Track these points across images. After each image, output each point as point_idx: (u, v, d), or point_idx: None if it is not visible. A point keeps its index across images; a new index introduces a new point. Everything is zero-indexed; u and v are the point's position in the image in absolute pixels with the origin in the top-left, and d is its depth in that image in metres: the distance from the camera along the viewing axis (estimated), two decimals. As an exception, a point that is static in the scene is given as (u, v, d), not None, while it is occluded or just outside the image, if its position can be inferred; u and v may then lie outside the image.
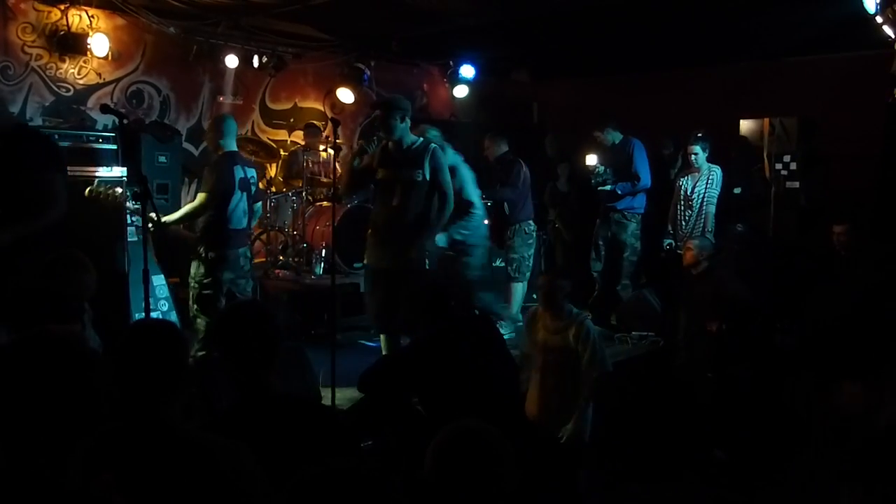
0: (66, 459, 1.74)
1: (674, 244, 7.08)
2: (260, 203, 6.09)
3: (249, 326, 2.48)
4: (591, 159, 7.31)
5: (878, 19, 4.78)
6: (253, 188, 5.65)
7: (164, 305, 6.21)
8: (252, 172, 5.69)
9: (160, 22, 7.19)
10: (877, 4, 4.68)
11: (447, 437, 2.03)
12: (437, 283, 4.23)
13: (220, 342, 2.52)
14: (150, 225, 4.76)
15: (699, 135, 7.02)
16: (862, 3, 4.73)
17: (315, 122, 8.44)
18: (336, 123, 5.35)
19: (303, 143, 8.14)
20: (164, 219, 5.37)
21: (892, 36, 4.88)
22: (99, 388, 1.82)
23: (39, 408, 1.71)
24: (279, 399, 2.46)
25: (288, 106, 8.69)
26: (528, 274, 7.13)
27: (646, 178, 7.18)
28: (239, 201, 5.49)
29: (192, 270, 5.53)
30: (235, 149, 5.66)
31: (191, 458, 1.94)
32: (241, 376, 2.45)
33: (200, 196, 5.45)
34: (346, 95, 8.37)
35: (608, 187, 7.19)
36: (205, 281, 5.43)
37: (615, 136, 7.41)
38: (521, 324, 7.01)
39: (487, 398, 3.50)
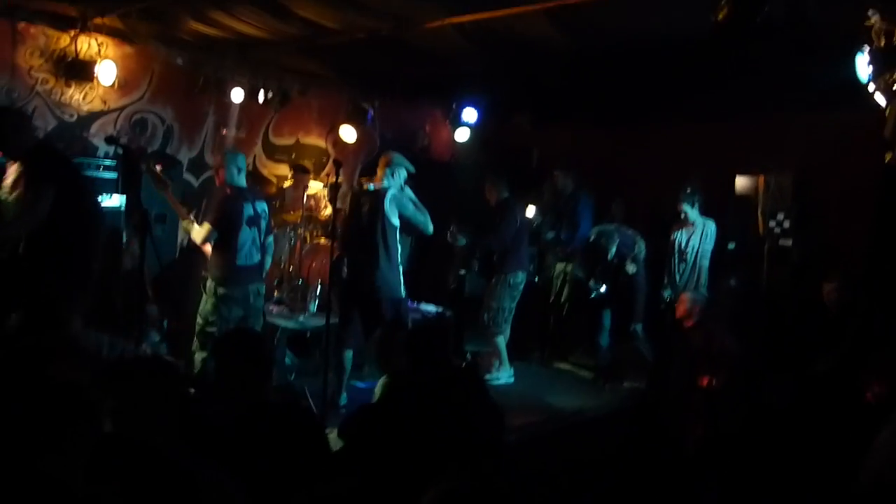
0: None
1: (672, 296, 7.13)
2: (272, 237, 6.04)
3: (245, 350, 2.52)
4: (531, 210, 7.58)
5: (871, 87, 4.86)
6: (264, 222, 5.68)
7: (156, 337, 6.21)
8: (263, 206, 5.74)
9: (169, 52, 7.27)
10: (869, 74, 4.76)
11: (436, 497, 2.03)
12: (421, 333, 4.23)
13: (219, 367, 2.54)
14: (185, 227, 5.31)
15: (688, 191, 7.11)
16: (855, 71, 4.81)
17: (304, 163, 8.45)
18: (338, 165, 5.41)
19: (291, 182, 8.11)
20: (185, 224, 5.46)
21: (884, 104, 4.95)
22: None
23: None
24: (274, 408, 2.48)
25: (290, 141, 8.74)
26: (504, 326, 7.12)
27: (583, 231, 7.70)
28: (248, 237, 5.53)
29: (201, 305, 5.54)
30: (244, 185, 5.70)
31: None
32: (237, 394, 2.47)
33: (206, 225, 5.49)
34: (348, 133, 8.42)
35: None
36: (210, 318, 5.44)
37: (568, 186, 7.68)
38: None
39: (468, 448, 3.48)
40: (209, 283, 5.52)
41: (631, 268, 7.30)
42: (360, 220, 6.05)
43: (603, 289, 7.40)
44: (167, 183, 5.64)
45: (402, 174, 6.08)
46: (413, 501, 2.09)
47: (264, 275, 5.89)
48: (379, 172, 6.10)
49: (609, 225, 7.67)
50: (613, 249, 7.29)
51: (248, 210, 5.57)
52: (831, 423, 5.17)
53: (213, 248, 5.58)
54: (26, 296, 4.29)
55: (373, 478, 3.34)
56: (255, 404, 2.63)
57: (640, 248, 7.41)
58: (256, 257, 5.62)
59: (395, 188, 5.99)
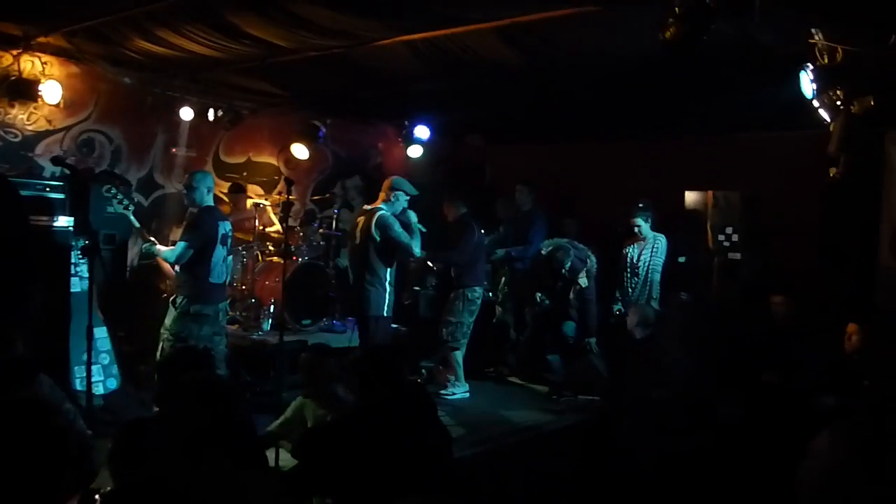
0: None
1: (623, 310, 7.21)
2: (231, 256, 6.10)
3: (205, 405, 2.46)
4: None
5: (815, 103, 5.00)
6: (230, 241, 5.76)
7: (105, 359, 6.09)
8: (228, 226, 5.77)
9: (116, 72, 7.17)
10: (813, 91, 4.90)
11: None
12: (375, 352, 4.22)
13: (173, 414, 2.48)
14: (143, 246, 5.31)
15: (640, 205, 7.23)
16: (800, 88, 4.94)
17: (240, 181, 8.41)
18: (290, 183, 5.40)
19: (227, 202, 8.07)
20: (154, 248, 5.46)
21: (828, 120, 5.09)
22: None
23: None
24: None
25: (242, 160, 8.67)
26: (462, 341, 7.13)
27: (534, 248, 7.96)
28: (220, 256, 5.60)
29: (168, 321, 5.49)
30: (213, 204, 5.74)
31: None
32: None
33: (180, 245, 5.46)
34: (300, 151, 8.39)
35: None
36: (181, 335, 5.39)
37: (527, 202, 7.87)
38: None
39: (420, 468, 3.46)
40: (179, 301, 5.47)
41: (584, 281, 7.38)
42: (354, 240, 6.39)
43: (546, 302, 7.52)
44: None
45: (401, 198, 6.35)
46: None
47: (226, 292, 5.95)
48: (380, 195, 6.40)
49: (562, 239, 7.75)
50: (569, 263, 7.37)
51: (223, 228, 5.63)
52: (781, 435, 5.25)
53: (185, 266, 5.54)
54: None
55: (327, 496, 3.32)
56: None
57: (592, 262, 7.50)
58: (224, 275, 5.72)
59: (388, 210, 6.25)
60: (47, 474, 1.73)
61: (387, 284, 6.21)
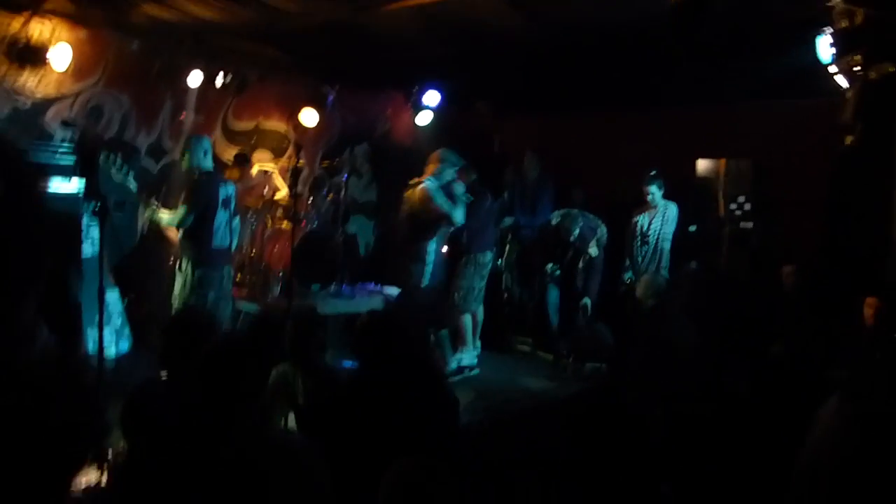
0: None
1: (633, 278, 7.20)
2: (238, 219, 6.15)
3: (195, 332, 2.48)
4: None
5: (832, 69, 4.93)
6: (232, 204, 5.79)
7: (118, 322, 6.13)
8: (231, 189, 5.82)
9: (123, 37, 7.13)
10: (832, 54, 4.82)
11: (396, 477, 2.04)
12: (379, 318, 4.20)
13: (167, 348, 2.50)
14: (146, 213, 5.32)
15: (653, 174, 7.18)
16: (816, 53, 4.87)
17: (247, 149, 8.39)
18: (299, 147, 5.39)
19: (237, 174, 8.04)
20: (157, 215, 5.53)
21: (845, 86, 5.02)
22: None
23: None
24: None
25: (250, 126, 8.63)
26: (474, 304, 7.15)
27: (542, 217, 8.05)
28: (222, 220, 5.64)
29: (177, 288, 5.52)
30: (212, 167, 5.74)
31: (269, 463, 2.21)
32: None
33: (181, 209, 5.46)
34: (309, 117, 8.35)
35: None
36: (190, 301, 5.43)
37: (535, 171, 7.93)
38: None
39: (426, 432, 3.48)
40: (185, 266, 5.51)
41: (594, 250, 7.37)
42: (399, 213, 6.72)
43: (557, 272, 7.52)
44: None
45: (447, 170, 6.56)
46: (373, 483, 2.10)
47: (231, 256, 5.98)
48: (428, 168, 6.60)
49: (572, 209, 7.74)
50: (577, 231, 7.37)
51: (223, 192, 5.67)
52: (788, 407, 5.26)
53: (188, 231, 5.59)
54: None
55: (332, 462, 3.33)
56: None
57: (603, 231, 7.49)
58: (227, 240, 5.75)
59: (434, 182, 6.46)
60: (73, 427, 1.75)
61: (426, 257, 6.46)
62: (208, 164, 5.75)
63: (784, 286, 6.53)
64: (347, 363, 6.31)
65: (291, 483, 2.23)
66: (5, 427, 1.71)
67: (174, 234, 5.76)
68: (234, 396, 2.35)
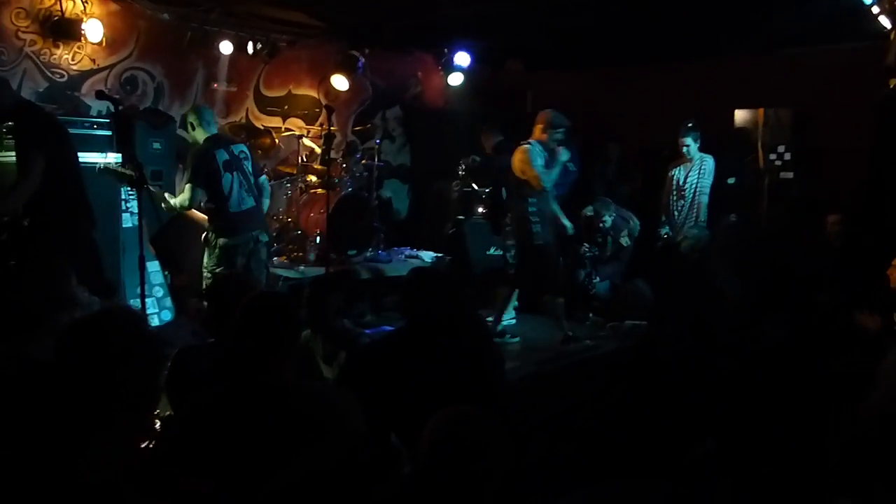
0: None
1: (671, 233, 7.12)
2: (265, 178, 5.93)
3: (276, 319, 2.50)
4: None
5: (875, 9, 4.79)
6: (247, 163, 5.58)
7: (159, 291, 6.23)
8: (239, 148, 5.62)
9: (154, 8, 7.16)
10: (873, -4, 4.68)
11: (443, 421, 2.06)
12: (424, 274, 4.19)
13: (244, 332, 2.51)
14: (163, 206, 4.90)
15: (689, 125, 7.05)
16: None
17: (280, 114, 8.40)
18: (330, 111, 5.37)
19: (267, 142, 8.00)
20: (170, 203, 5.44)
21: (889, 26, 4.87)
22: None
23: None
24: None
25: (282, 93, 8.66)
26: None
27: (572, 176, 7.70)
28: (232, 182, 5.47)
29: (205, 259, 5.55)
30: (214, 132, 5.61)
31: (306, 404, 2.33)
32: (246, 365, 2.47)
33: (186, 188, 5.46)
34: (340, 83, 8.35)
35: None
36: (217, 270, 5.43)
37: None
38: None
39: (472, 388, 3.49)
40: (210, 236, 5.51)
41: (625, 240, 7.33)
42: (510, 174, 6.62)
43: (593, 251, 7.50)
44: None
45: (554, 134, 6.43)
46: (415, 437, 2.11)
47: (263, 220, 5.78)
48: (536, 129, 6.51)
49: (606, 198, 7.68)
50: (609, 219, 7.35)
51: (222, 155, 5.46)
52: (833, 358, 5.19)
53: (206, 203, 5.54)
54: (33, 261, 4.30)
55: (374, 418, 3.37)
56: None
57: (635, 223, 7.45)
58: (249, 202, 5.54)
59: (538, 145, 6.37)
60: (152, 377, 1.79)
61: (531, 215, 6.39)
62: (210, 130, 5.57)
63: (828, 235, 6.41)
64: (386, 328, 6.39)
65: (331, 427, 2.31)
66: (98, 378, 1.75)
67: (198, 214, 5.69)
68: (269, 348, 2.38)
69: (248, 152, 5.64)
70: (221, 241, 5.45)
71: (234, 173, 5.47)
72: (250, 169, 5.60)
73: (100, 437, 1.76)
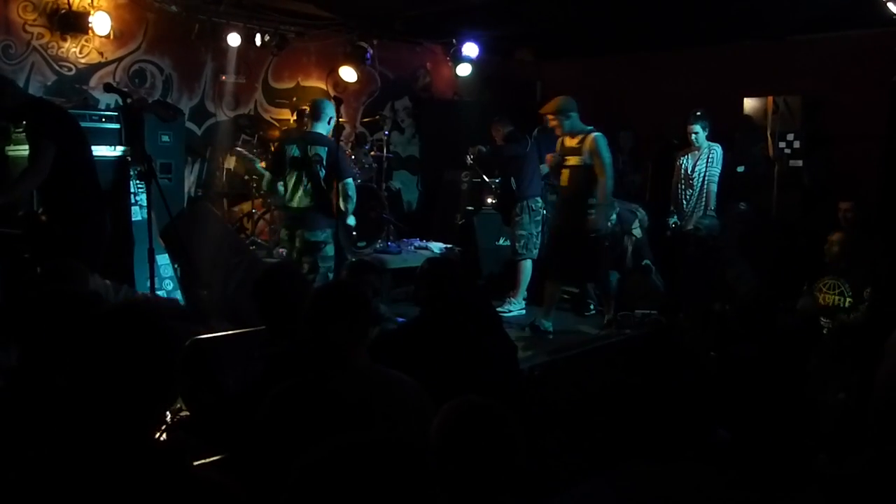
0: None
1: (679, 223, 7.09)
2: (348, 181, 5.80)
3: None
4: None
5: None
6: (318, 166, 5.65)
7: (169, 284, 6.23)
8: (315, 149, 5.67)
9: (161, 0, 7.17)
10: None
11: (453, 412, 2.05)
12: (439, 263, 4.22)
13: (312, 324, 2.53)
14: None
15: (698, 113, 7.01)
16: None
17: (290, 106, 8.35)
18: (339, 102, 5.36)
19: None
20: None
21: (897, 12, 4.83)
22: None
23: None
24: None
25: (291, 85, 8.65)
26: (535, 251, 7.15)
27: None
28: (294, 180, 5.78)
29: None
30: (313, 129, 5.78)
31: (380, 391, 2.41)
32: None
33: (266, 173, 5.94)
34: (349, 74, 8.34)
35: None
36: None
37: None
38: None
39: (486, 377, 3.50)
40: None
41: (637, 231, 7.27)
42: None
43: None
44: None
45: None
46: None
47: (323, 223, 5.73)
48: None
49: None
50: (614, 217, 7.28)
51: (292, 151, 5.62)
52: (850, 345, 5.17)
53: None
54: (49, 250, 4.32)
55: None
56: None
57: (643, 214, 7.35)
58: (304, 201, 5.65)
59: (601, 135, 6.36)
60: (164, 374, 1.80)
61: (585, 205, 6.31)
62: (315, 126, 5.75)
63: (843, 222, 6.36)
64: (400, 319, 6.40)
65: (414, 410, 2.43)
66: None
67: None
68: (348, 335, 2.49)
69: (323, 155, 5.63)
70: (283, 232, 5.94)
71: (299, 171, 5.64)
72: (319, 171, 5.62)
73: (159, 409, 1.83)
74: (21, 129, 4.90)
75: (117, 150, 6.09)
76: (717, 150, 7.01)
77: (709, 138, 7.04)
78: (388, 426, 2.33)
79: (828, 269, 5.56)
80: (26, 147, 4.70)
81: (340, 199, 5.56)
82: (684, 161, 7.14)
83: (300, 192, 5.66)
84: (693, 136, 6.98)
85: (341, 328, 2.44)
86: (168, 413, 3.06)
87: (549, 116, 6.46)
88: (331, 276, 5.58)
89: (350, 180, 5.66)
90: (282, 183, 5.75)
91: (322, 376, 2.43)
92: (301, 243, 5.70)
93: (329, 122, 5.72)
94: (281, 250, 7.36)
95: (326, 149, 5.64)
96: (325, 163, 5.62)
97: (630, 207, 7.40)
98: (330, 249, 5.69)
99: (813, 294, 5.66)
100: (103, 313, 1.90)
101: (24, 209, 4.68)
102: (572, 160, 6.38)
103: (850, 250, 5.55)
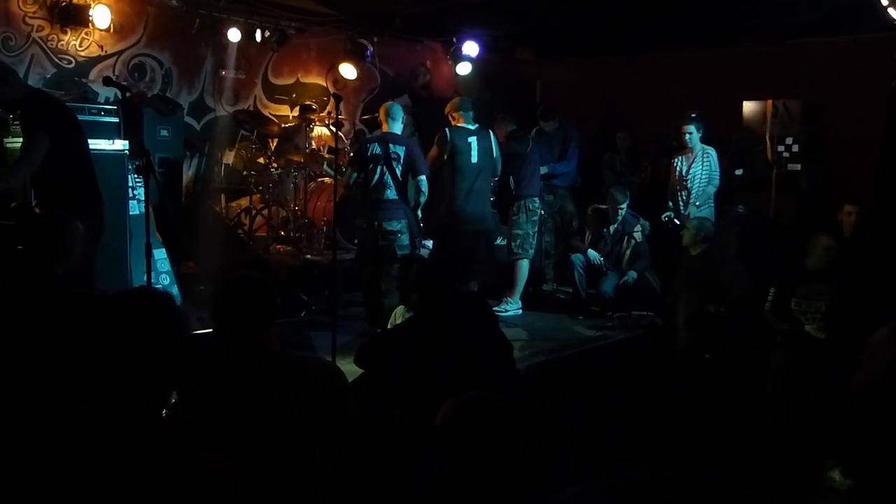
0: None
1: (672, 216, 7.13)
2: (422, 179, 6.28)
3: (243, 303, 2.56)
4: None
5: (884, 2, 4.75)
6: (395, 163, 6.14)
7: (166, 279, 6.24)
8: (394, 147, 6.14)
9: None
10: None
11: (456, 407, 2.07)
12: (434, 264, 4.23)
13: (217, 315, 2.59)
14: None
15: (693, 114, 7.04)
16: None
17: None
18: (338, 99, 5.36)
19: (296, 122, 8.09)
20: None
21: (896, 19, 4.84)
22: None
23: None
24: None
25: (290, 81, 8.65)
26: (531, 251, 7.15)
27: (572, 166, 8.12)
28: (374, 174, 6.14)
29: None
30: (390, 130, 6.25)
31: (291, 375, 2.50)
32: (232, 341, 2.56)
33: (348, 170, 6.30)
34: (348, 71, 8.33)
35: None
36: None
37: (554, 121, 8.08)
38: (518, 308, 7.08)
39: (482, 376, 3.51)
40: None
41: (638, 235, 7.27)
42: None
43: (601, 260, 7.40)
44: None
45: None
46: (429, 423, 2.12)
47: (399, 213, 6.16)
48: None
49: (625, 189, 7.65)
50: (619, 217, 7.28)
51: (374, 149, 6.10)
52: (848, 350, 5.16)
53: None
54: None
55: (389, 400, 3.40)
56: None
57: (645, 224, 7.32)
58: (386, 193, 6.10)
59: None
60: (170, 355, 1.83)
61: None
62: (391, 127, 6.23)
63: (844, 225, 6.36)
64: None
65: (313, 395, 2.49)
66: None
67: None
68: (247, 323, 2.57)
69: (401, 154, 6.15)
70: (361, 222, 6.39)
71: (379, 167, 6.10)
72: (396, 168, 6.12)
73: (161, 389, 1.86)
74: (17, 121, 4.89)
75: (116, 144, 6.08)
76: (712, 153, 7.05)
77: (707, 140, 7.06)
78: (301, 408, 2.42)
79: (807, 274, 5.52)
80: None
81: (413, 193, 6.19)
82: (678, 162, 7.19)
83: (381, 185, 6.09)
84: (687, 136, 7.01)
85: (243, 316, 2.51)
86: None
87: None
88: None
89: (423, 177, 6.19)
90: (363, 176, 6.16)
91: (230, 365, 2.52)
92: (378, 230, 6.12)
93: (402, 122, 6.34)
94: (278, 247, 7.39)
95: (404, 148, 6.19)
96: (402, 160, 6.11)
97: (634, 213, 7.40)
98: (405, 238, 6.16)
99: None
100: (115, 295, 1.95)
101: (18, 200, 4.65)
102: None
103: (835, 257, 5.51)
